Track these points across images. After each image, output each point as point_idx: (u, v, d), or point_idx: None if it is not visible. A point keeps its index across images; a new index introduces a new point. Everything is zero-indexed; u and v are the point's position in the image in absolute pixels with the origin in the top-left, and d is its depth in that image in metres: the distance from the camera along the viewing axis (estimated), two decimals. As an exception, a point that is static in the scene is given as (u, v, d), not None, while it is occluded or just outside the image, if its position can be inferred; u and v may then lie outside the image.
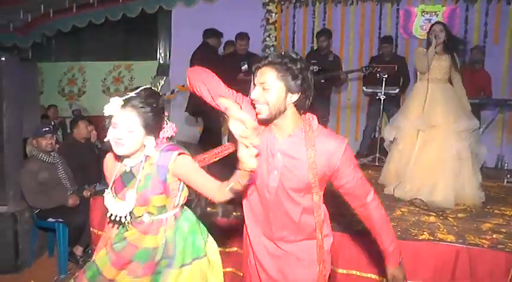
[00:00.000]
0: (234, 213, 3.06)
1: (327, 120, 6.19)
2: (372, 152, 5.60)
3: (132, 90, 1.87)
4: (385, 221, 2.02)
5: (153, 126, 1.86)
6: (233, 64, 5.88)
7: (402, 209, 3.66)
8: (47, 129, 4.25)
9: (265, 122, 1.86)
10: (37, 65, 6.86)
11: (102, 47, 9.26)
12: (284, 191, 1.90)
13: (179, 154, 1.91)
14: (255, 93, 1.78)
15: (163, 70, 8.33)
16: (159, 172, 1.89)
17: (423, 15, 6.86)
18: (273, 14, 7.19)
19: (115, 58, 8.94)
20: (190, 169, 1.91)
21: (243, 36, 6.12)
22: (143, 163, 1.91)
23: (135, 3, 7.75)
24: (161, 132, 1.96)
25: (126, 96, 1.82)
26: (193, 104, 5.68)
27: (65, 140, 4.65)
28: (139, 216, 1.95)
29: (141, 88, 1.88)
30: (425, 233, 3.06)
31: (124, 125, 1.79)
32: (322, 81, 5.80)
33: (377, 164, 5.26)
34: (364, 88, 6.10)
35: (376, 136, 6.01)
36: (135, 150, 1.88)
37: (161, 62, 8.66)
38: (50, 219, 4.06)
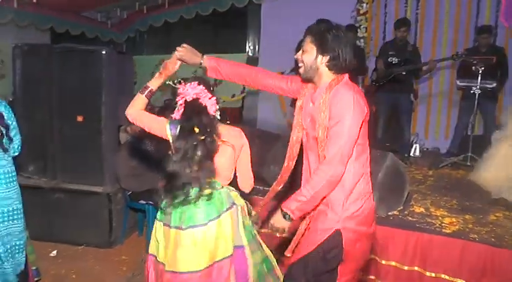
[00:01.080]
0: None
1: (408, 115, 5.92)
2: (464, 151, 5.29)
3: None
4: (318, 179, 2.02)
5: None
6: None
7: (497, 214, 3.46)
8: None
9: (306, 80, 2.20)
10: (132, 58, 7.27)
11: (191, 40, 9.51)
12: (310, 139, 2.18)
13: None
14: (297, 54, 2.16)
15: (252, 62, 8.44)
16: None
17: (529, 1, 6.32)
18: (364, 5, 7.00)
19: (204, 51, 9.19)
20: None
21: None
22: None
23: (226, -2, 7.90)
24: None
25: None
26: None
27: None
28: None
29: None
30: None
31: None
32: (404, 73, 5.58)
33: (469, 163, 4.99)
34: (457, 81, 5.67)
35: (469, 133, 5.64)
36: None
37: (250, 54, 8.78)
38: (141, 201, 4.31)
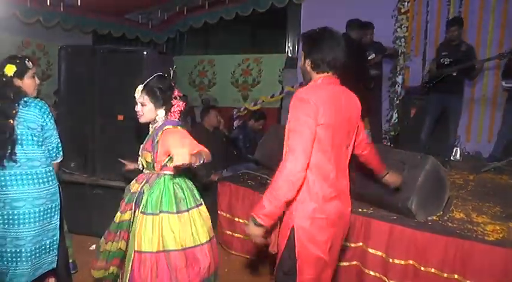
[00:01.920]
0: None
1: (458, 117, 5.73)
2: (508, 155, 5.11)
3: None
4: (275, 181, 2.05)
5: (160, 102, 2.57)
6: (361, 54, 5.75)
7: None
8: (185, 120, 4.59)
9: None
10: (172, 58, 7.40)
11: (231, 40, 9.66)
12: None
13: (167, 128, 2.53)
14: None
15: (291, 63, 8.44)
16: (154, 135, 2.57)
17: None
18: (406, 3, 6.84)
19: (244, 51, 9.26)
20: (170, 138, 2.47)
21: (369, 25, 5.95)
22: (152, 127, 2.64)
23: (265, -2, 7.93)
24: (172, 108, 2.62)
25: (145, 82, 2.59)
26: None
27: (194, 127, 4.98)
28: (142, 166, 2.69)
29: (154, 75, 2.62)
30: None
31: (140, 101, 2.59)
32: (454, 74, 5.41)
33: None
34: (502, 83, 5.47)
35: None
36: (150, 119, 2.63)
37: (289, 55, 8.78)
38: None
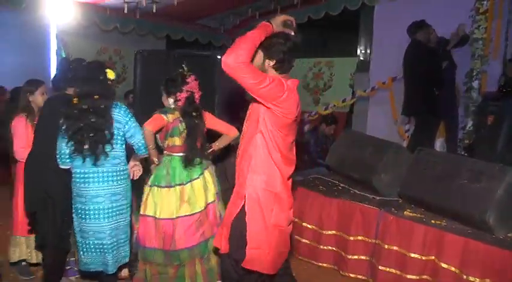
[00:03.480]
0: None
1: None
2: None
3: None
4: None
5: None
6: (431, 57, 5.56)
7: None
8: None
9: None
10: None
11: (302, 44, 9.64)
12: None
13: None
14: None
15: (363, 66, 8.31)
16: None
17: None
18: (485, 2, 6.49)
19: (315, 55, 9.22)
20: None
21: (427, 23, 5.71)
22: None
23: (338, 1, 7.83)
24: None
25: None
26: (414, 104, 5.50)
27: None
28: None
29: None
30: None
31: None
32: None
33: None
34: None
35: None
36: None
37: (361, 58, 8.65)
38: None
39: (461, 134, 6.38)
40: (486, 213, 3.03)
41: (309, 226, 4.07)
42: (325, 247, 3.92)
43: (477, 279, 2.91)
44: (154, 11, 7.18)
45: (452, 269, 3.03)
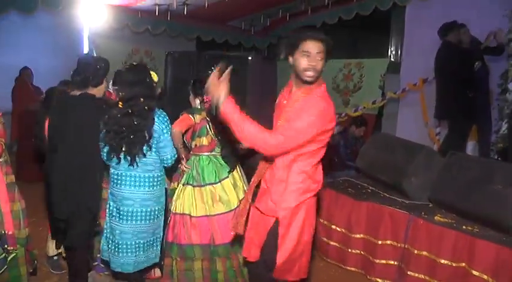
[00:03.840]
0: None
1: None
2: None
3: None
4: (257, 132, 2.23)
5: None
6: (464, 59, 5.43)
7: None
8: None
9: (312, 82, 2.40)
10: (276, 63, 7.52)
11: (332, 45, 9.57)
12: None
13: None
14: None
15: (394, 68, 8.21)
16: None
17: None
18: (521, 2, 6.34)
19: (345, 56, 9.15)
20: None
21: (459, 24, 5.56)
22: None
23: (369, 2, 7.75)
24: None
25: None
26: (446, 106, 5.42)
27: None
28: None
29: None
30: None
31: None
32: None
33: None
34: None
35: None
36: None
37: (392, 59, 8.54)
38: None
39: (495, 138, 6.22)
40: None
41: (338, 229, 4.05)
42: (353, 251, 3.89)
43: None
44: (185, 13, 7.27)
45: (485, 277, 2.97)
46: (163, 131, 2.91)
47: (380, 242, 3.67)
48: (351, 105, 8.25)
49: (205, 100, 3.41)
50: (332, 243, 4.09)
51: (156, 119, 2.87)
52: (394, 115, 7.79)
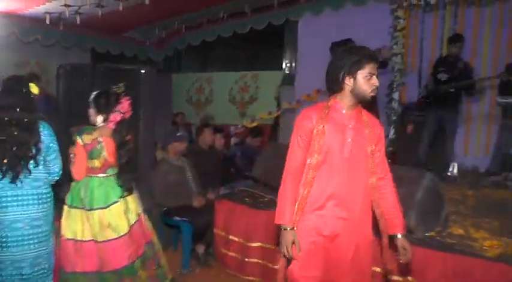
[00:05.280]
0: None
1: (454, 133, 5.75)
2: (504, 170, 5.08)
3: None
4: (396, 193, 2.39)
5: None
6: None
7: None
8: (182, 134, 4.61)
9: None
10: (170, 76, 7.44)
11: (228, 58, 9.70)
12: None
13: None
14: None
15: (289, 80, 8.47)
16: None
17: None
18: (401, 21, 6.87)
19: (241, 68, 9.30)
20: None
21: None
22: None
23: (263, 16, 7.96)
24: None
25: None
26: None
27: (189, 147, 4.99)
28: None
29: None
30: None
31: None
32: (452, 90, 5.46)
33: (509, 183, 4.79)
34: (498, 98, 5.47)
35: (510, 152, 5.39)
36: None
37: (287, 72, 8.82)
38: (176, 218, 4.36)
39: (385, 142, 6.64)
40: (407, 215, 3.13)
41: (236, 239, 4.01)
42: (251, 260, 3.87)
43: (401, 278, 3.01)
44: (78, 22, 6.91)
45: (378, 270, 3.08)
46: (51, 143, 2.75)
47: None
48: (247, 116, 8.39)
49: (110, 119, 3.14)
50: (230, 253, 4.05)
51: (41, 131, 2.70)
52: (290, 125, 7.98)
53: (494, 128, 6.24)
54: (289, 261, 2.34)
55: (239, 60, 9.94)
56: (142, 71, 4.45)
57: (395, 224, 2.37)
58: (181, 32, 8.84)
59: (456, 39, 5.66)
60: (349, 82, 2.30)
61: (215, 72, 9.71)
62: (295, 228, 2.28)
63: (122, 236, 3.11)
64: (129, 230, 3.15)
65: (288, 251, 2.25)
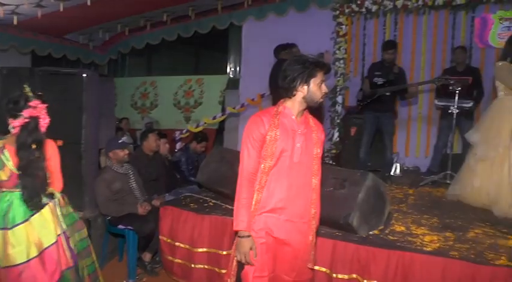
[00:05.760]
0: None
1: (391, 134, 5.96)
2: (443, 169, 5.29)
3: None
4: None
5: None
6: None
7: (476, 231, 3.46)
8: (125, 141, 4.50)
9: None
10: (114, 81, 7.26)
11: (173, 62, 9.60)
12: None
13: None
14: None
15: (233, 84, 8.49)
16: None
17: (501, 23, 6.41)
18: (343, 27, 7.09)
19: (186, 73, 9.22)
20: None
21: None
22: None
23: (207, 20, 7.95)
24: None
25: None
26: None
27: (134, 153, 4.88)
28: None
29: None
30: (503, 258, 2.86)
31: None
32: (388, 94, 5.66)
33: (448, 181, 4.97)
34: (436, 101, 5.74)
35: (448, 152, 5.65)
36: None
37: (231, 76, 8.83)
38: (121, 226, 4.25)
39: (329, 145, 6.81)
40: (350, 215, 3.20)
41: (182, 245, 3.92)
42: (197, 266, 3.80)
43: (346, 275, 3.05)
44: (15, 23, 6.60)
45: (323, 269, 3.13)
46: None
47: (225, 253, 3.62)
48: (192, 121, 8.35)
49: (12, 125, 2.76)
50: (176, 260, 3.94)
51: None
52: (234, 129, 8.04)
53: (434, 129, 6.52)
54: (242, 264, 2.38)
55: (184, 64, 9.86)
56: (84, 75, 4.31)
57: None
58: (125, 35, 8.68)
59: (389, 46, 5.85)
60: (302, 89, 2.38)
61: (160, 76, 9.57)
62: (251, 235, 2.33)
63: (23, 262, 2.68)
64: (39, 255, 2.73)
65: (245, 258, 2.31)
